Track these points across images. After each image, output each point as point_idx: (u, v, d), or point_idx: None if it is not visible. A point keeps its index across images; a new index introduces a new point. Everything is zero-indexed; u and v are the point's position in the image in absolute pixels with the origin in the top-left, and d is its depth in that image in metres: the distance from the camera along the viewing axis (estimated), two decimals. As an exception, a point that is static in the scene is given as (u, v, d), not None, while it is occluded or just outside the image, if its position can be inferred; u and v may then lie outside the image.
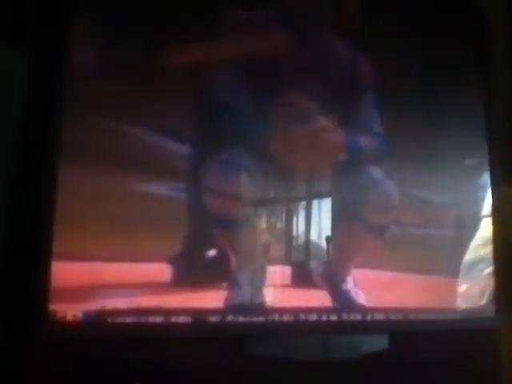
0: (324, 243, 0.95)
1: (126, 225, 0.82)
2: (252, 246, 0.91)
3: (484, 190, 1.04)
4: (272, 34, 0.95)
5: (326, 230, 0.94)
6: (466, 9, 1.08)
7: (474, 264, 1.00)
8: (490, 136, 1.05)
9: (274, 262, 0.92)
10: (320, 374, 0.88)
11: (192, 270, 0.86)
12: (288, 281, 0.92)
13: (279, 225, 0.94)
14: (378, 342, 0.91)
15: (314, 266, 0.94)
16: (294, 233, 0.94)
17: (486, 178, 1.04)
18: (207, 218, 0.89)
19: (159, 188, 0.86)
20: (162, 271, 0.83)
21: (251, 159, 0.91)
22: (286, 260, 0.93)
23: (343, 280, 0.95)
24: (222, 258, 0.89)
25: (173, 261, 0.84)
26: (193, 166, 0.89)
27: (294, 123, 0.94)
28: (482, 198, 1.04)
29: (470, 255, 1.00)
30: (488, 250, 1.01)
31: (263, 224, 0.93)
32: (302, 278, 0.93)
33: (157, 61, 0.86)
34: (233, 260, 0.89)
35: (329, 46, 0.98)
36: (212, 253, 0.90)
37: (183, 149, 0.89)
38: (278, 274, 0.91)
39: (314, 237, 0.95)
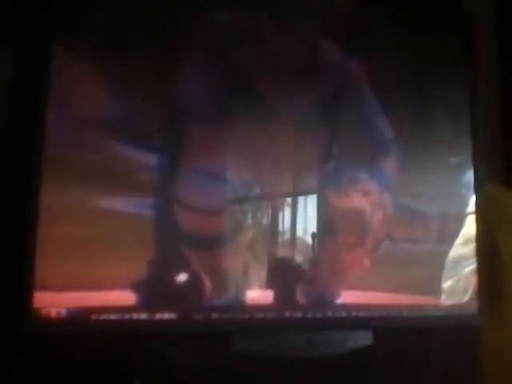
0: (310, 239, 0.91)
1: (84, 247, 0.76)
2: (230, 268, 0.84)
3: (468, 188, 1.04)
4: (253, 36, 0.90)
5: (312, 227, 0.92)
6: (452, 8, 1.08)
7: (458, 261, 1.01)
8: (474, 135, 1.05)
9: (254, 286, 0.86)
10: (305, 371, 0.88)
11: (159, 297, 0.79)
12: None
13: (264, 221, 0.89)
14: (363, 339, 0.92)
15: (299, 288, 0.87)
16: (280, 230, 0.89)
17: (469, 176, 1.04)
18: (179, 238, 0.80)
19: (123, 204, 0.78)
20: (125, 299, 0.77)
21: (229, 168, 0.83)
22: (268, 283, 0.86)
23: (332, 304, 0.91)
24: (194, 282, 0.82)
25: (137, 287, 0.78)
26: (162, 179, 0.81)
27: (277, 126, 0.88)
28: (467, 196, 1.04)
29: (453, 252, 1.01)
30: (471, 248, 1.01)
31: (242, 242, 0.85)
32: (286, 303, 0.87)
33: (121, 61, 0.80)
34: (207, 285, 0.83)
35: (317, 47, 0.94)
36: (183, 277, 0.82)
37: (151, 159, 0.80)
38: (259, 299, 0.86)
39: (299, 234, 0.90)
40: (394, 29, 1.01)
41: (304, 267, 0.89)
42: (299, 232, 0.90)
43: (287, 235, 0.89)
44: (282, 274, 0.88)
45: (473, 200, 1.04)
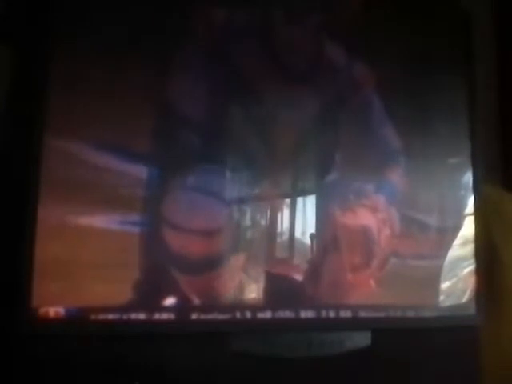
0: (308, 240, 0.88)
1: (63, 267, 0.72)
2: (223, 292, 0.80)
3: (466, 188, 1.04)
4: (253, 36, 0.87)
5: (311, 227, 0.89)
6: (451, 8, 1.08)
7: (456, 262, 1.01)
8: (473, 135, 1.05)
9: (250, 307, 0.83)
10: (304, 371, 0.88)
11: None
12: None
13: (263, 222, 0.86)
14: (362, 339, 0.92)
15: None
16: (278, 243, 0.84)
17: (468, 176, 1.04)
18: (167, 260, 0.75)
19: (106, 220, 0.73)
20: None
21: (225, 183, 0.78)
22: (265, 308, 0.82)
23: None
24: (183, 306, 0.77)
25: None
26: (151, 193, 0.75)
27: (277, 132, 0.84)
28: (465, 197, 1.04)
29: (452, 253, 1.01)
30: (470, 249, 1.02)
31: (239, 263, 0.80)
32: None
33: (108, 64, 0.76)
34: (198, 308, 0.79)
35: (320, 49, 0.91)
36: (171, 301, 0.77)
37: (138, 170, 0.75)
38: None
39: (298, 235, 0.86)
40: (391, 28, 1.00)
41: (304, 289, 0.86)
42: (298, 251, 0.85)
43: (286, 252, 0.85)
44: (280, 295, 0.84)
45: (471, 201, 1.04)
